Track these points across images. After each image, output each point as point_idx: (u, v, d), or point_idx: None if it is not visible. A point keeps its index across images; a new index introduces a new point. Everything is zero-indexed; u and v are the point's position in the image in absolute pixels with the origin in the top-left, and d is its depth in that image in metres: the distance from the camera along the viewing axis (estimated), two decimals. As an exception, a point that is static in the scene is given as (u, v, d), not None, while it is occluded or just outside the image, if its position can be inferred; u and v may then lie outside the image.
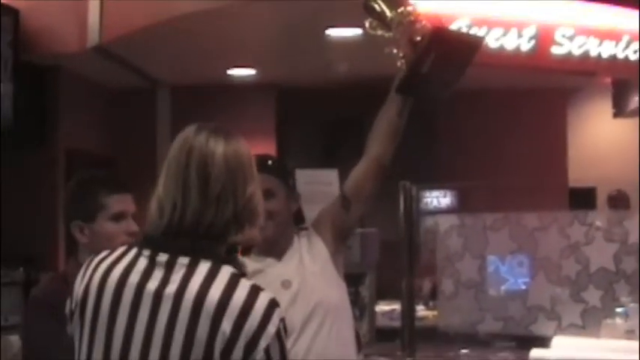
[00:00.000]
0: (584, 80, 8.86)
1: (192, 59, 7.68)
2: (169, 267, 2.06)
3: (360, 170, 3.16)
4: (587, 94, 10.03)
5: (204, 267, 2.05)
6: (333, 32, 6.79)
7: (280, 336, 2.05)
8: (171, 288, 2.03)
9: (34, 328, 2.81)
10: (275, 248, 3.13)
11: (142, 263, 2.09)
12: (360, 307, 5.11)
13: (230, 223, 2.09)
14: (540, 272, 5.09)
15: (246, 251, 3.19)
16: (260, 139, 8.49)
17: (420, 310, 6.19)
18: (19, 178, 7.15)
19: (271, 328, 2.02)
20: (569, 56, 7.19)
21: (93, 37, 6.67)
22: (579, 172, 9.64)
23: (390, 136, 3.13)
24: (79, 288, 2.15)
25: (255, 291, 2.05)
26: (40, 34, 6.73)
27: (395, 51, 3.02)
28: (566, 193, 9.16)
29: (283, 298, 3.00)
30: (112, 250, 2.17)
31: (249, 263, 3.12)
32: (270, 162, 3.18)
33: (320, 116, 9.04)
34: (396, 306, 6.00)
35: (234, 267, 2.09)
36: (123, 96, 8.53)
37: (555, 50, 7.15)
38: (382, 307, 6.35)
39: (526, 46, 7.04)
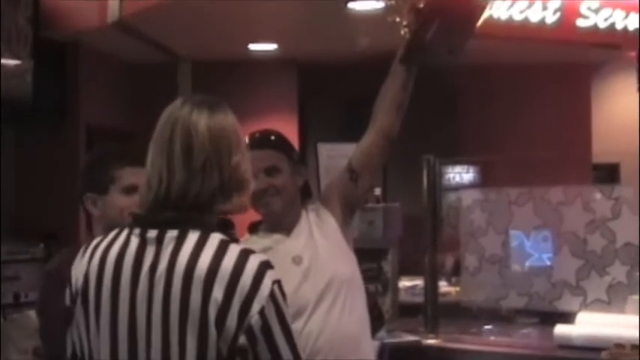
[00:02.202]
0: (609, 54, 8.74)
1: (213, 34, 7.63)
2: (159, 242, 2.07)
3: (366, 143, 3.13)
4: (611, 68, 9.92)
5: (193, 237, 2.06)
6: (355, 6, 6.72)
7: (275, 298, 2.03)
8: (164, 262, 2.04)
9: (48, 301, 2.79)
10: (283, 224, 3.09)
11: (134, 243, 2.10)
12: (383, 282, 5.08)
13: (216, 192, 2.10)
14: (565, 247, 5.04)
15: (254, 228, 3.16)
16: (281, 114, 8.47)
17: (443, 286, 6.15)
18: (39, 153, 7.16)
19: (264, 290, 2.01)
20: (594, 29, 7.08)
21: (113, 11, 6.63)
22: (603, 147, 9.55)
23: (395, 108, 3.10)
24: (77, 276, 2.16)
25: (244, 254, 2.04)
26: (59, 9, 6.71)
27: (398, 19, 2.97)
28: (590, 168, 9.09)
29: (295, 275, 2.97)
30: (106, 235, 2.19)
31: (258, 240, 3.09)
32: (272, 137, 3.15)
33: (342, 90, 8.99)
34: (419, 282, 5.97)
35: (225, 234, 2.09)
36: (143, 71, 8.50)
37: (580, 23, 7.04)
38: (404, 282, 6.32)
39: (551, 18, 6.93)
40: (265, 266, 2.04)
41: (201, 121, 2.12)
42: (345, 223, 3.14)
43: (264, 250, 3.01)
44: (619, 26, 7.14)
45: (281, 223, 3.09)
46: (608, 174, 9.46)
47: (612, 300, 4.87)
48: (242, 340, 1.99)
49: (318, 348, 2.91)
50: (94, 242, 2.18)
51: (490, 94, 9.13)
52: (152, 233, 2.09)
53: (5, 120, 6.29)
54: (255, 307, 2.00)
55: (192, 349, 2.00)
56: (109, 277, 2.09)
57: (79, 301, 2.15)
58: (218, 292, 1.99)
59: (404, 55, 3.03)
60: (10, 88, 6.17)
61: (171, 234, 2.07)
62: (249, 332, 2.00)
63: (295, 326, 2.86)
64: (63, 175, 7.01)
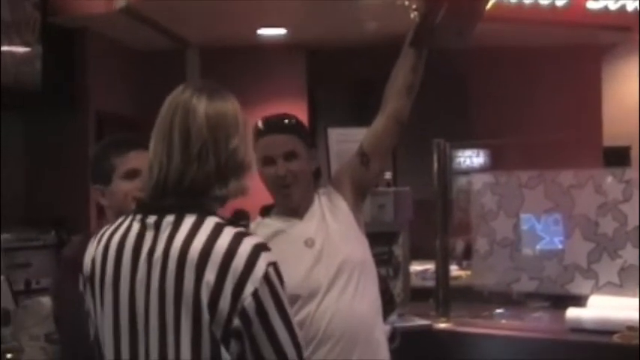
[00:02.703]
0: (620, 37, 8.70)
1: (221, 19, 7.61)
2: (157, 227, 2.09)
3: (377, 126, 3.14)
4: (622, 50, 9.86)
5: (189, 221, 2.08)
6: (364, -11, 6.71)
7: (270, 279, 2.03)
8: (161, 246, 2.06)
9: (62, 287, 2.81)
10: (297, 208, 3.09)
11: (135, 228, 2.14)
12: (394, 266, 5.06)
13: (212, 178, 2.11)
14: (577, 230, 5.02)
15: (266, 212, 3.15)
16: (291, 99, 8.45)
17: (453, 270, 6.14)
18: (49, 140, 7.15)
19: (258, 272, 2.01)
20: (605, 11, 7.07)
21: (121, -3, 6.63)
22: (613, 130, 9.51)
23: (405, 91, 3.10)
24: (87, 263, 2.21)
25: (238, 237, 2.05)
26: (67, -5, 6.70)
27: (407, 3, 2.98)
28: (601, 151, 9.05)
29: (307, 257, 2.98)
30: (112, 223, 2.23)
31: (270, 223, 3.08)
32: (291, 121, 3.13)
33: (351, 75, 8.96)
34: (429, 266, 5.96)
35: (227, 221, 2.10)
36: (152, 57, 8.49)
37: (591, 5, 7.03)
38: (415, 266, 6.31)
39: (561, 0, 6.92)
40: (260, 248, 2.05)
41: (200, 107, 2.13)
42: (356, 207, 3.14)
43: (277, 233, 3.02)
44: (630, 8, 7.12)
45: (295, 208, 3.08)
46: (619, 157, 9.42)
47: (624, 283, 4.85)
48: (236, 322, 2.00)
49: (331, 331, 2.90)
50: (103, 230, 2.22)
51: (500, 77, 9.09)
52: (152, 219, 2.11)
53: (14, 107, 6.28)
54: (249, 289, 2.00)
55: (186, 331, 2.01)
56: (111, 262, 2.13)
57: (87, 286, 2.19)
58: (210, 275, 2.00)
59: (414, 38, 3.03)
60: (19, 75, 6.16)
61: (169, 219, 2.09)
62: (243, 315, 2.00)
63: (308, 309, 2.89)
64: (73, 162, 7.02)
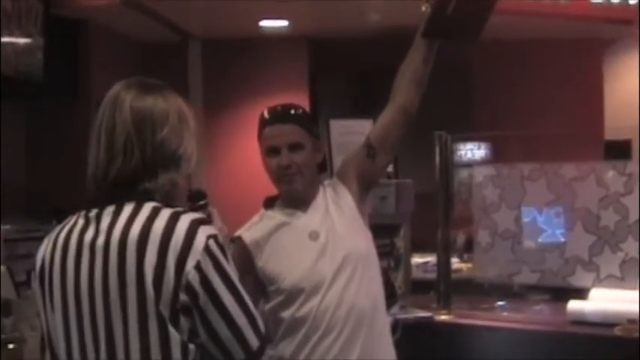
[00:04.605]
0: (622, 30, 8.70)
1: (224, 11, 7.61)
2: (98, 219, 2.13)
3: (385, 118, 3.11)
4: (624, 44, 9.85)
5: (128, 209, 2.10)
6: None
7: (211, 251, 2.06)
8: (102, 236, 2.10)
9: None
10: (301, 200, 3.07)
11: (80, 223, 2.17)
12: (396, 258, 5.06)
13: (139, 169, 2.12)
14: (578, 223, 5.01)
15: (270, 204, 3.14)
16: (293, 91, 8.45)
17: (455, 263, 6.14)
18: (50, 131, 7.16)
19: (198, 245, 2.04)
20: (607, 4, 7.06)
21: (123, -11, 6.63)
22: (615, 123, 9.50)
23: (415, 84, 3.08)
24: (37, 262, 2.23)
25: (175, 215, 2.08)
26: (69, -14, 6.70)
27: None
28: (602, 145, 9.04)
29: (312, 250, 2.96)
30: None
31: (274, 215, 3.07)
32: (297, 112, 3.10)
33: (353, 66, 8.96)
34: (431, 258, 5.97)
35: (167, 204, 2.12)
36: (154, 49, 8.49)
37: (594, -2, 7.03)
38: (416, 259, 6.31)
39: (564, -7, 6.91)
40: (198, 223, 2.07)
41: (126, 101, 2.16)
42: (361, 200, 3.12)
43: (280, 226, 3.01)
44: (632, 1, 7.11)
45: (299, 200, 3.06)
46: (620, 150, 9.40)
47: (625, 276, 4.84)
48: (183, 297, 2.03)
49: (334, 323, 2.90)
50: (56, 229, 2.24)
51: (502, 70, 9.09)
52: (93, 212, 2.15)
53: (16, 97, 6.28)
54: (190, 263, 2.03)
55: (133, 315, 2.03)
56: (58, 258, 2.16)
57: (37, 284, 2.21)
58: (151, 254, 2.03)
59: (425, 29, 3.02)
60: (20, 66, 6.16)
61: (109, 209, 2.12)
62: (189, 288, 2.03)
63: (312, 302, 2.88)
64: (74, 153, 7.00)
